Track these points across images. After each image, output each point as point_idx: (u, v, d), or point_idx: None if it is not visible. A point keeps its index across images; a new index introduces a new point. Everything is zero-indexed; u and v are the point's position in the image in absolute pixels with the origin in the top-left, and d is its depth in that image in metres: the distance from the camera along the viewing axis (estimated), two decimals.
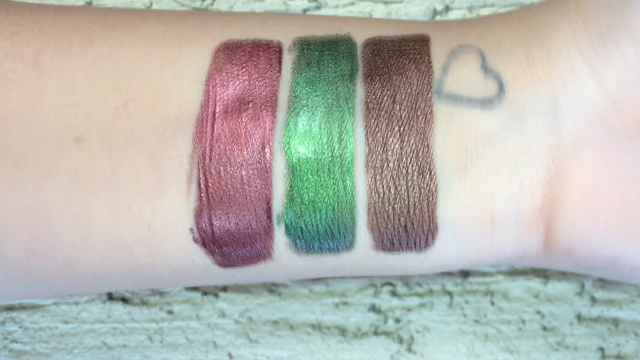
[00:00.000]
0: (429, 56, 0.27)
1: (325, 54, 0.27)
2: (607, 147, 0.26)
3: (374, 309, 0.36)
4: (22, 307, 0.37)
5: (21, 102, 0.26)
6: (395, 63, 0.27)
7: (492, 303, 0.36)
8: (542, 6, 0.28)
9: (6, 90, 0.26)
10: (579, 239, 0.26)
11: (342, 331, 0.37)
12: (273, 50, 0.27)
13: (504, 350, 0.37)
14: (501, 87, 0.26)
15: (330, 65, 0.26)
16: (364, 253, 0.26)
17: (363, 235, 0.26)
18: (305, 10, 0.34)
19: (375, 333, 0.37)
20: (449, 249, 0.26)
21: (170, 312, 0.36)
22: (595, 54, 0.26)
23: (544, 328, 0.36)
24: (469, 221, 0.26)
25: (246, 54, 0.26)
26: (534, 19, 0.27)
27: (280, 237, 0.26)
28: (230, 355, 0.37)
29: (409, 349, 0.37)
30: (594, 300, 0.36)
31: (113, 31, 0.27)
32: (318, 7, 0.34)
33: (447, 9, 0.34)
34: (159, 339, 0.37)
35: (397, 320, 0.37)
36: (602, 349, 0.36)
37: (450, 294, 0.36)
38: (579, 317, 0.36)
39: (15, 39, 0.27)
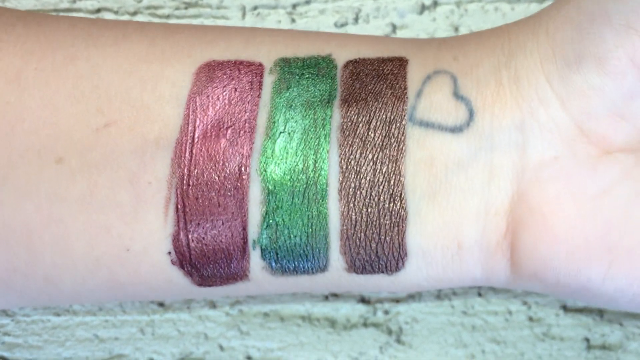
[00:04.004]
0: (405, 82, 0.27)
1: (305, 76, 0.27)
2: (571, 178, 0.26)
3: (363, 300, 0.37)
4: None
5: (2, 122, 0.25)
6: (373, 88, 0.27)
7: (480, 294, 0.37)
8: (518, 26, 0.27)
9: None
10: (542, 266, 0.26)
11: (332, 323, 0.37)
12: (254, 73, 0.27)
13: (490, 340, 0.37)
14: (471, 115, 0.26)
15: (309, 88, 0.27)
16: (337, 274, 0.27)
17: (336, 258, 0.27)
18: (295, 5, 0.35)
19: (365, 324, 0.37)
20: (419, 272, 0.27)
21: (161, 305, 0.37)
22: (562, 85, 0.26)
23: (530, 319, 0.37)
24: (437, 248, 0.26)
25: (227, 75, 0.27)
26: (507, 42, 0.27)
27: (256, 259, 0.26)
28: (221, 347, 0.37)
29: (398, 340, 0.37)
30: None
31: (95, 48, 0.27)
32: (308, 2, 0.35)
33: (435, 4, 0.35)
34: (151, 332, 0.37)
35: (386, 312, 0.37)
36: (587, 339, 0.37)
37: None
38: (564, 308, 0.37)
39: None
